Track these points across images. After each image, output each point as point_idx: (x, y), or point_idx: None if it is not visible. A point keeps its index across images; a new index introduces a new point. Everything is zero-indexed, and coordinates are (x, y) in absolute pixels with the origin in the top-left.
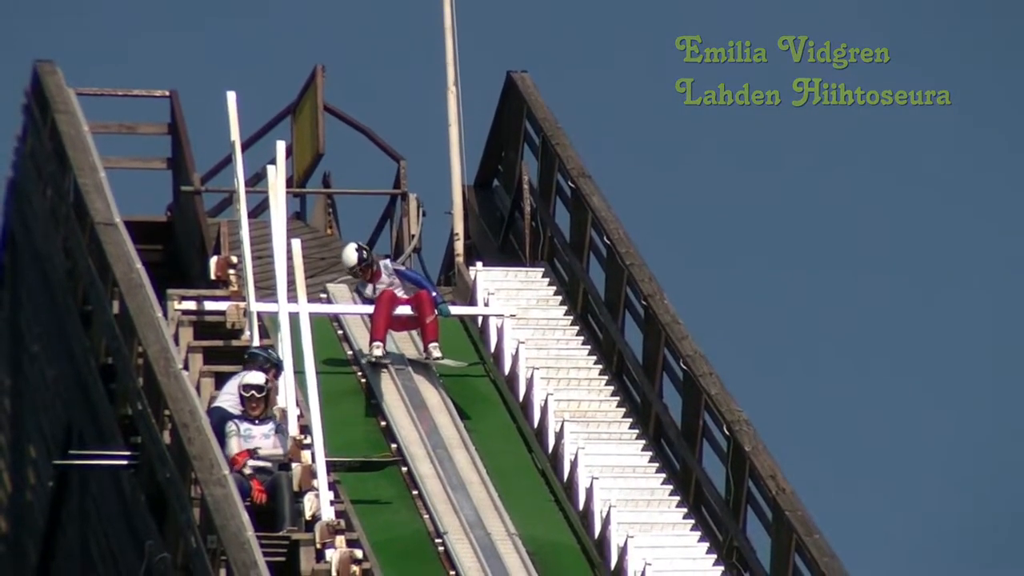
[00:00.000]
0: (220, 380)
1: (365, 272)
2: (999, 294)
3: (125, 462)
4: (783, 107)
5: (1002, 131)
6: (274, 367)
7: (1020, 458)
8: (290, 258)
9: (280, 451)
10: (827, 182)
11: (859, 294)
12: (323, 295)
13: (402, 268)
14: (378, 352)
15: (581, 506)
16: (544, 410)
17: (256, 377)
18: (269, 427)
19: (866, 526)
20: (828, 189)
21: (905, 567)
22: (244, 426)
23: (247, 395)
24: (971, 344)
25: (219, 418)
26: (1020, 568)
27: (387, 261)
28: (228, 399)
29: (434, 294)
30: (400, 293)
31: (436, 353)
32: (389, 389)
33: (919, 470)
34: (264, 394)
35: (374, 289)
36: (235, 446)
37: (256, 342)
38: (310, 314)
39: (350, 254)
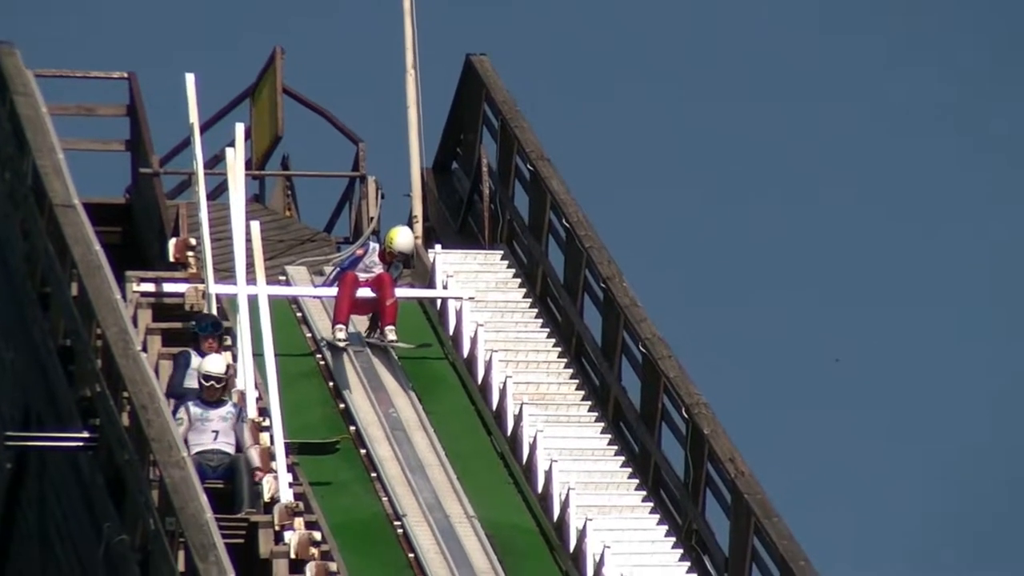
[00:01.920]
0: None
1: (394, 259)
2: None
3: (78, 443)
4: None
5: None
6: (225, 333)
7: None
8: (249, 240)
9: (232, 442)
10: (800, 170)
11: (823, 275)
12: (282, 277)
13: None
14: (341, 335)
15: (540, 489)
16: (503, 393)
17: (217, 365)
18: (227, 410)
19: (824, 509)
20: (798, 174)
21: (866, 549)
22: (198, 411)
23: (207, 384)
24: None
25: (184, 363)
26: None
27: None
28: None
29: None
30: (362, 277)
31: (391, 336)
32: (348, 372)
33: (886, 453)
34: (223, 384)
35: (371, 264)
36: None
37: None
38: (269, 296)
39: (409, 244)
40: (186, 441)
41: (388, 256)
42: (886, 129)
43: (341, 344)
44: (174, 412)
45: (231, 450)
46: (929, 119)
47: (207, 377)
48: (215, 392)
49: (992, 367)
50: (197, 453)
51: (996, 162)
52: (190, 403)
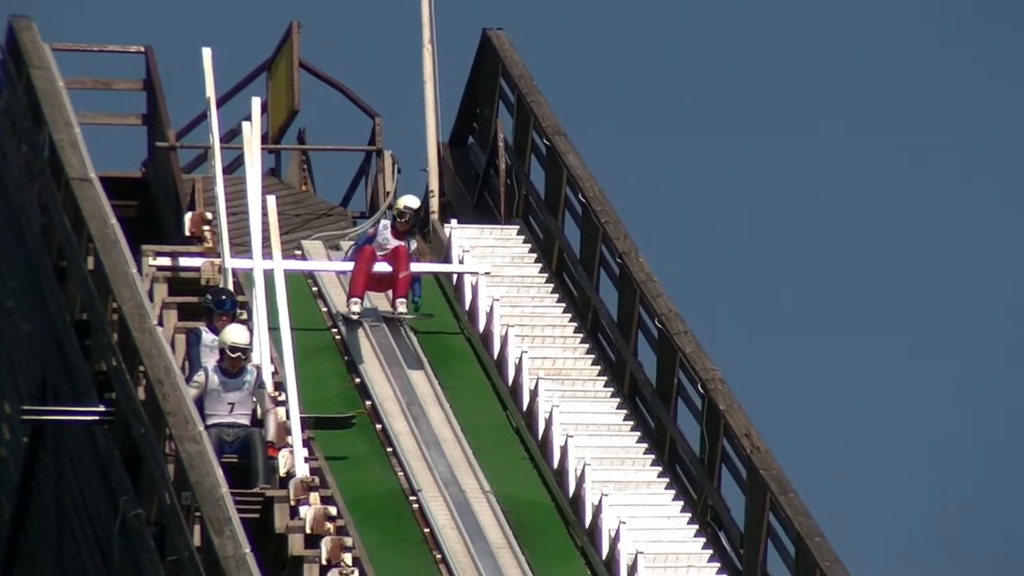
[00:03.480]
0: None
1: (405, 224)
2: (1004, 276)
3: (94, 417)
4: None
5: None
6: (241, 308)
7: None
8: (265, 214)
9: (247, 412)
10: (818, 147)
11: (838, 257)
12: (298, 252)
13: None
14: (356, 308)
15: (556, 464)
16: (519, 368)
17: (241, 335)
18: (244, 379)
19: (842, 486)
20: (813, 153)
21: (882, 527)
22: (216, 380)
23: (233, 355)
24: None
25: (196, 340)
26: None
27: (415, 242)
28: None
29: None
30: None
31: (402, 308)
32: (364, 346)
33: (898, 430)
34: (247, 355)
35: (385, 240)
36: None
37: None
38: (285, 271)
39: (414, 199)
40: (202, 407)
41: (401, 225)
42: None
43: (355, 317)
44: (189, 379)
45: (247, 421)
46: None
47: (233, 348)
48: (238, 363)
49: None
50: (213, 425)
51: None
52: (211, 369)
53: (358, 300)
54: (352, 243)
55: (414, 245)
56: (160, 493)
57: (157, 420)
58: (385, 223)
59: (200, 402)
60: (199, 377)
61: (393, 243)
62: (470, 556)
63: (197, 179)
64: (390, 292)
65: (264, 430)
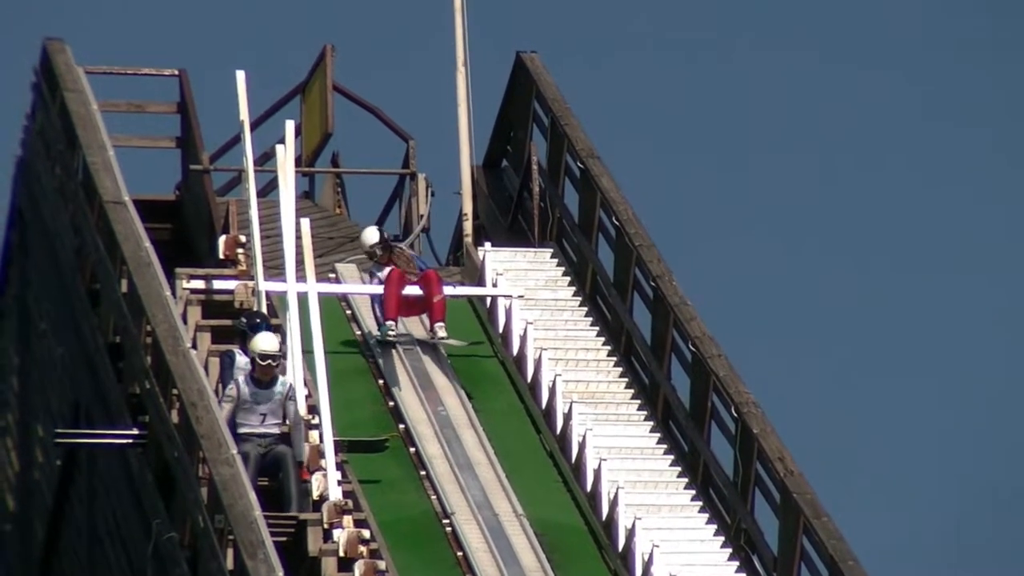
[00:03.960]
0: None
1: (383, 254)
2: (1009, 285)
3: (127, 440)
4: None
5: None
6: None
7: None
8: (299, 237)
9: (279, 421)
10: (845, 170)
11: (871, 281)
12: (332, 275)
13: (417, 255)
14: (391, 331)
15: (589, 487)
16: (552, 391)
17: (270, 343)
18: (276, 390)
19: (876, 509)
20: (847, 176)
21: (916, 551)
22: (247, 391)
23: (263, 363)
24: (981, 338)
25: (230, 363)
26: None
27: (402, 246)
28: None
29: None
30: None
31: (441, 332)
32: (397, 369)
33: (931, 453)
34: (277, 363)
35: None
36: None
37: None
38: (319, 294)
39: (371, 234)
40: (234, 420)
41: (381, 260)
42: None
43: (391, 338)
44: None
45: (278, 430)
46: None
47: (263, 356)
48: (270, 371)
49: None
50: (244, 434)
51: None
52: (242, 381)
53: (393, 323)
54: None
55: (410, 252)
56: (193, 516)
57: (190, 443)
58: (374, 268)
59: (232, 417)
60: (231, 391)
61: (386, 270)
62: None
63: (231, 202)
64: (425, 317)
65: (295, 450)
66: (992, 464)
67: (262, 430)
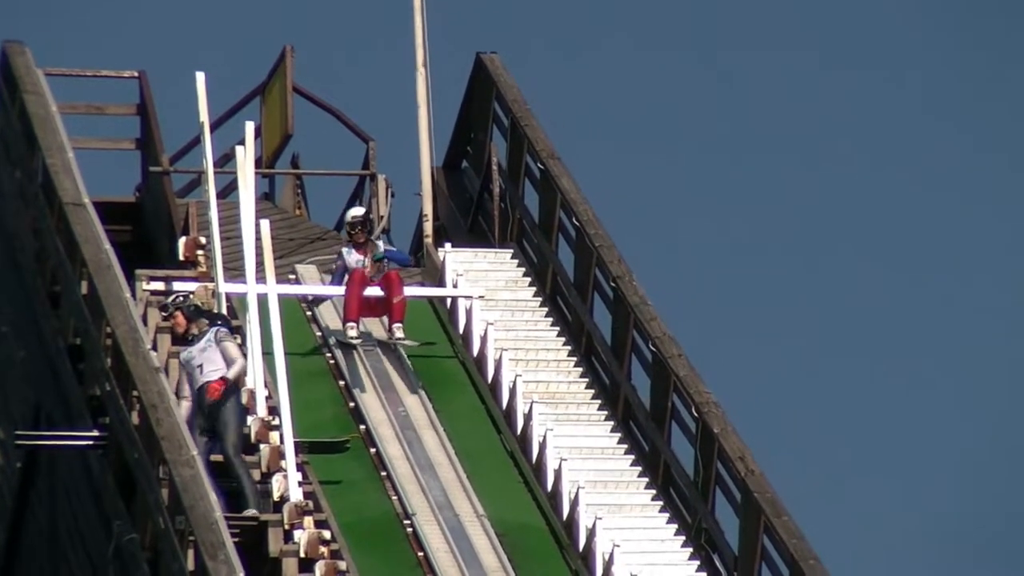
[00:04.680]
0: None
1: (360, 234)
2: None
3: (88, 442)
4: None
5: None
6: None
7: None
8: (259, 239)
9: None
10: (812, 170)
11: (834, 277)
12: (292, 276)
13: (393, 249)
14: (352, 333)
15: (550, 487)
16: (513, 391)
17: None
18: (204, 342)
19: (837, 508)
20: (815, 181)
21: (877, 549)
22: (184, 357)
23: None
24: (940, 329)
25: None
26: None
27: (381, 243)
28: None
29: (406, 257)
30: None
31: (399, 334)
32: (358, 370)
33: (896, 451)
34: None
35: (357, 260)
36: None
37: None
38: (279, 295)
39: (357, 210)
40: (187, 392)
41: (357, 238)
42: None
43: (352, 341)
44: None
45: (219, 373)
46: None
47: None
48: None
49: None
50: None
51: None
52: (181, 352)
53: (354, 324)
54: (331, 279)
55: (382, 246)
56: (154, 518)
57: (151, 445)
58: (343, 249)
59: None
60: (173, 371)
61: (357, 257)
62: None
63: (191, 203)
64: (385, 318)
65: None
66: (964, 455)
67: (202, 380)
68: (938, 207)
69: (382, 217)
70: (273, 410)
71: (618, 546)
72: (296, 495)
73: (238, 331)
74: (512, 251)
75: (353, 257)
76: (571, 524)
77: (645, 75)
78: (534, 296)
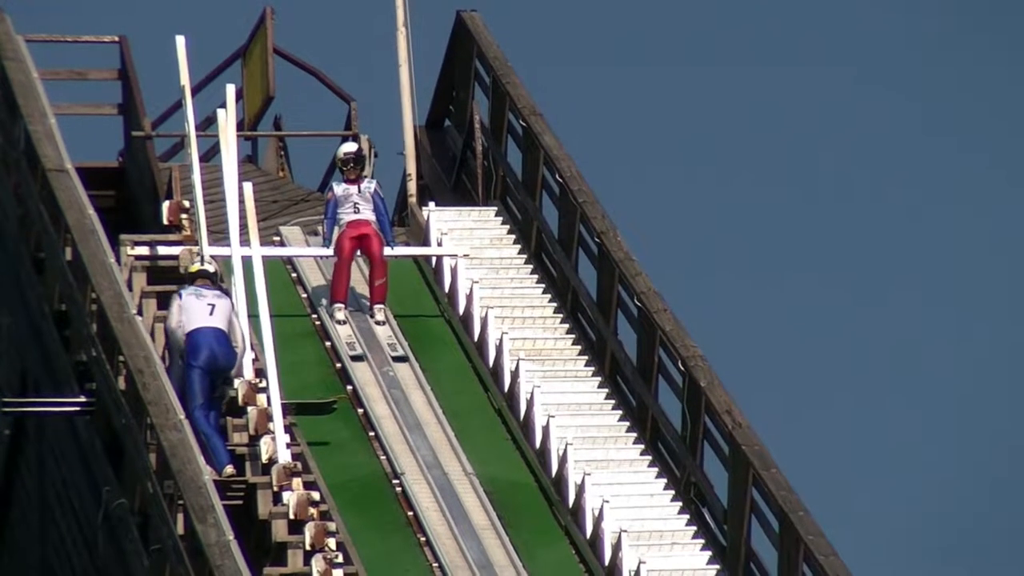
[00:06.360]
0: None
1: (352, 171)
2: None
3: (75, 408)
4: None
5: None
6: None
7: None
8: (242, 201)
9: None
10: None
11: (820, 222)
12: (276, 238)
13: (380, 198)
14: (340, 316)
15: (538, 444)
16: (499, 349)
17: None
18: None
19: (824, 460)
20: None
21: (865, 501)
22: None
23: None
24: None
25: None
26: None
27: (374, 183)
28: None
29: (389, 238)
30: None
31: (379, 316)
32: (344, 331)
33: (884, 404)
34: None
35: (345, 192)
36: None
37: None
38: (263, 257)
39: (351, 144)
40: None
41: (350, 174)
42: None
43: (340, 324)
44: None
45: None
46: None
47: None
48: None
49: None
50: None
51: None
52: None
53: (341, 306)
54: (324, 221)
55: (373, 185)
56: (143, 482)
57: (138, 410)
58: (337, 182)
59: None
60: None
61: (346, 187)
62: (454, 538)
63: (174, 168)
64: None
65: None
66: (953, 410)
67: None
68: (936, 207)
69: (364, 177)
70: (260, 372)
71: (607, 501)
72: (284, 457)
73: (225, 293)
74: (496, 209)
75: (342, 188)
76: (560, 481)
77: (630, 29)
78: (519, 254)
